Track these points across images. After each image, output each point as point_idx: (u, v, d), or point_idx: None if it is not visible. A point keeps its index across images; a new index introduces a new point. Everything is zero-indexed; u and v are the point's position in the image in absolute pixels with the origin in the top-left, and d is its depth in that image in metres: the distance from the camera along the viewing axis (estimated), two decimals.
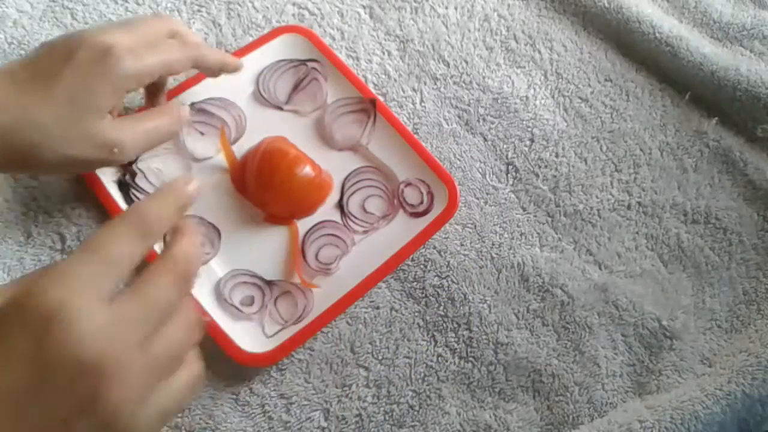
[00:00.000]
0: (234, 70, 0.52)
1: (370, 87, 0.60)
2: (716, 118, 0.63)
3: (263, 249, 0.53)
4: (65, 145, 0.42)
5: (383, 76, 0.61)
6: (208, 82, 0.55)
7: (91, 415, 0.29)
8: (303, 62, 0.58)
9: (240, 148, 0.56)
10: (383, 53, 0.62)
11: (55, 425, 0.29)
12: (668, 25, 0.64)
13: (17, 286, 0.31)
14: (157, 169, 0.53)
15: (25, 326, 0.29)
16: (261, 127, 0.56)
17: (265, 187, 0.53)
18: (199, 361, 0.36)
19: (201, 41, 0.52)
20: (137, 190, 0.51)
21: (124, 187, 0.51)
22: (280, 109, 0.58)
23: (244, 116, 0.56)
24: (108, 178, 0.52)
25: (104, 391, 0.29)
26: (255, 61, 0.58)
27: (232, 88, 0.57)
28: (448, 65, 0.63)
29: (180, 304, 0.34)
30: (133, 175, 0.52)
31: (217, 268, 0.52)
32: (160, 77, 0.46)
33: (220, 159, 0.55)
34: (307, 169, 0.53)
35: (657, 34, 0.63)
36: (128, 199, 0.51)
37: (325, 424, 0.49)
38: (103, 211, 0.51)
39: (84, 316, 0.29)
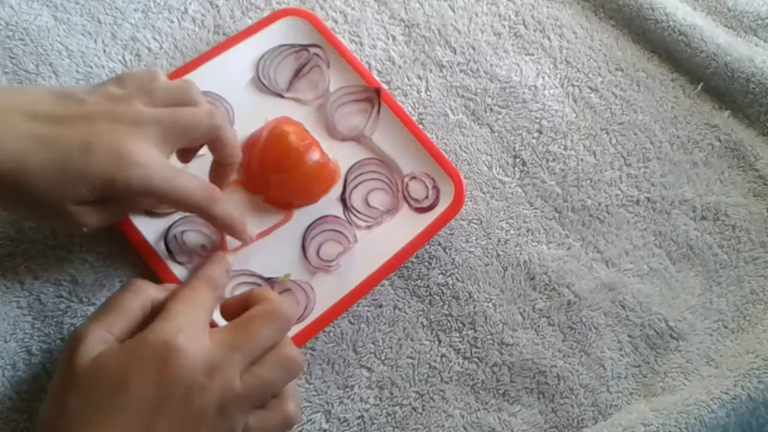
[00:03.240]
0: (240, 241, 0.49)
1: (374, 74, 0.58)
2: (729, 111, 0.61)
3: (262, 246, 0.51)
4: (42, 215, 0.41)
5: (387, 63, 0.59)
6: (201, 71, 0.53)
7: (203, 422, 0.36)
8: (305, 47, 0.56)
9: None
10: (388, 38, 0.60)
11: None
12: (682, 13, 0.62)
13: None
14: None
15: (146, 363, 0.36)
16: (261, 115, 0.54)
17: (270, 171, 0.51)
18: (292, 400, 0.41)
19: (231, 157, 0.46)
20: None
21: None
22: (281, 96, 0.56)
23: (232, 110, 0.54)
24: None
25: (209, 403, 0.36)
26: (255, 46, 0.55)
27: (231, 74, 0.55)
28: (454, 52, 0.60)
29: (278, 343, 0.40)
30: None
31: None
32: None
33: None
34: (317, 157, 0.52)
35: (671, 23, 0.61)
36: None
37: (326, 426, 0.48)
38: None
39: (191, 345, 0.36)
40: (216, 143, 0.44)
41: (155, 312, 0.40)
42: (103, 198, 0.40)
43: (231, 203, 0.45)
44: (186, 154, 0.47)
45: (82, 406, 0.35)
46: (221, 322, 0.43)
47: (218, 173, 0.47)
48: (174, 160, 0.46)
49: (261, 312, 0.40)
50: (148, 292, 0.41)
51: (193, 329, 0.38)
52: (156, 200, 0.45)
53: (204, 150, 0.52)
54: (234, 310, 0.42)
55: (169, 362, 0.35)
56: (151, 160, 0.39)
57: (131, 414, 0.35)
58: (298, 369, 0.40)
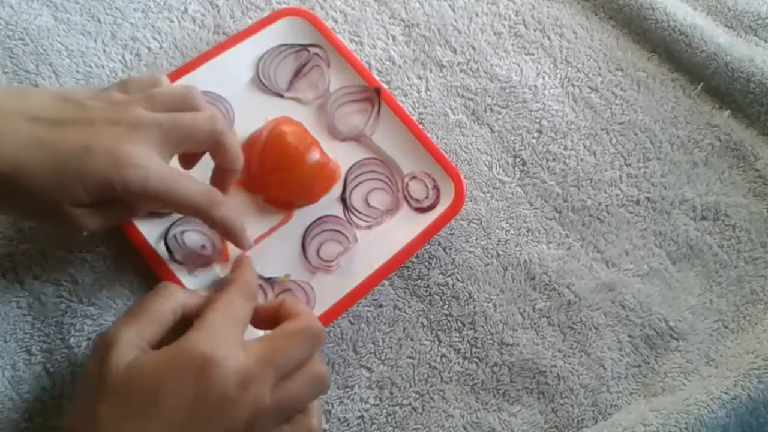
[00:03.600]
0: (239, 247, 0.48)
1: (374, 74, 0.58)
2: (729, 111, 0.61)
3: (262, 246, 0.51)
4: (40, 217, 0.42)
5: (387, 63, 0.59)
6: (201, 71, 0.53)
7: None
8: (305, 47, 0.56)
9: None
10: (388, 38, 0.60)
11: None
12: (682, 12, 0.62)
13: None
14: None
15: (183, 373, 0.36)
16: (261, 115, 0.54)
17: (270, 171, 0.51)
18: (315, 416, 0.41)
19: (234, 163, 0.46)
20: None
21: None
22: (281, 96, 0.56)
23: (232, 110, 0.54)
24: None
25: (240, 415, 0.36)
26: (255, 46, 0.55)
27: (231, 74, 0.54)
28: (454, 51, 0.60)
29: (308, 360, 0.40)
30: None
31: (218, 268, 0.50)
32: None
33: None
34: (318, 156, 0.52)
35: (671, 22, 0.61)
36: None
37: (326, 426, 0.48)
38: None
39: (227, 358, 0.36)
40: (217, 149, 0.44)
41: (185, 318, 0.40)
42: (101, 201, 0.40)
43: (231, 207, 0.45)
44: (188, 160, 0.46)
45: (114, 413, 0.35)
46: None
47: (220, 179, 0.46)
48: (176, 165, 0.46)
49: (295, 329, 0.40)
50: (180, 297, 0.41)
51: (230, 342, 0.38)
52: (155, 204, 0.44)
53: None
54: (264, 319, 0.43)
55: (205, 373, 0.36)
56: (150, 162, 0.39)
57: (165, 423, 0.35)
58: (325, 387, 0.41)
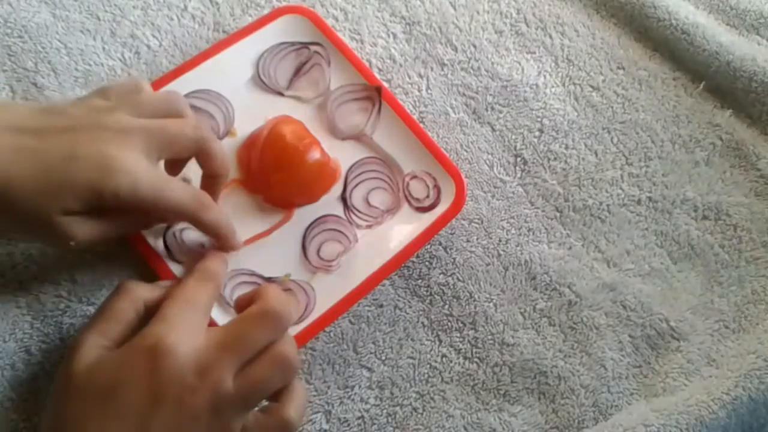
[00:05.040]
0: (228, 249, 0.47)
1: (375, 72, 0.58)
2: (730, 110, 0.61)
3: (262, 246, 0.51)
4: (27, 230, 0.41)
5: (388, 61, 0.59)
6: (201, 69, 0.53)
7: (198, 423, 0.36)
8: (305, 45, 0.56)
9: (233, 141, 0.53)
10: (388, 36, 0.60)
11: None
12: (684, 11, 0.62)
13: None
14: None
15: (138, 365, 0.36)
16: (261, 114, 0.54)
17: (270, 170, 0.51)
18: (293, 406, 0.40)
19: (220, 171, 0.45)
20: None
21: None
22: (281, 94, 0.55)
23: (232, 108, 0.54)
24: None
25: (201, 403, 0.35)
26: (255, 44, 0.55)
27: (231, 72, 0.54)
28: (455, 50, 0.60)
29: (272, 344, 0.39)
30: None
31: None
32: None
33: None
34: (318, 155, 0.51)
35: (673, 21, 0.61)
36: None
37: (326, 427, 0.48)
38: None
39: (181, 346, 0.36)
40: (203, 155, 0.44)
41: (151, 312, 0.40)
42: (91, 209, 0.39)
43: (220, 209, 0.45)
44: (173, 166, 0.46)
45: (77, 414, 0.35)
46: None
47: (208, 185, 0.46)
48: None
49: (254, 311, 0.39)
50: (140, 293, 0.41)
51: (185, 329, 0.37)
52: (145, 211, 0.43)
53: None
54: (245, 307, 0.42)
55: (159, 363, 0.35)
56: (139, 167, 0.39)
57: (124, 419, 0.35)
58: (292, 368, 0.40)
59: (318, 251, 0.51)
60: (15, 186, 0.37)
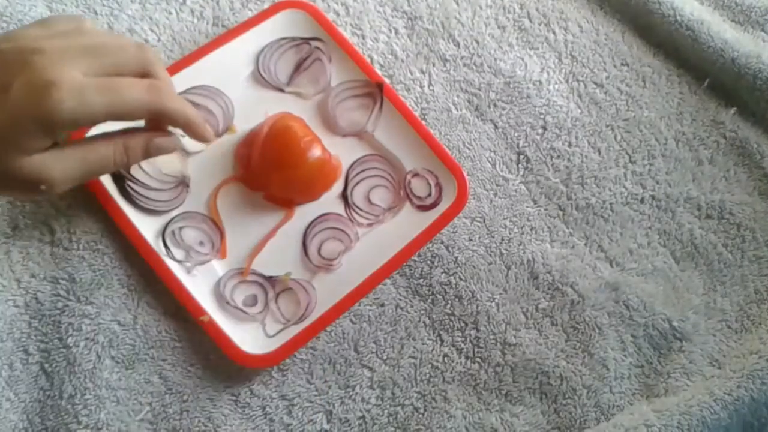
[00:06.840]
0: (202, 140, 0.44)
1: (376, 68, 0.57)
2: (735, 108, 0.60)
3: (262, 244, 0.50)
4: None
5: (390, 57, 0.58)
6: (200, 65, 0.52)
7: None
8: (306, 41, 0.55)
9: (233, 137, 0.53)
10: (390, 31, 0.59)
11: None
12: (689, 7, 0.61)
13: None
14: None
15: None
16: (261, 110, 0.53)
17: (271, 168, 0.50)
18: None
19: (170, 87, 0.42)
20: (132, 182, 0.48)
21: (119, 179, 0.48)
22: (282, 91, 0.55)
23: (232, 104, 0.53)
24: None
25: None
26: (255, 39, 0.54)
27: (230, 68, 0.54)
28: (458, 45, 0.59)
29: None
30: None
31: (217, 266, 0.49)
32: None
33: (210, 152, 0.52)
34: (319, 153, 0.51)
35: (678, 17, 0.60)
36: (123, 191, 0.48)
37: (327, 427, 0.48)
38: (94, 201, 0.48)
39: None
40: (153, 81, 0.41)
41: None
42: (52, 142, 0.37)
43: (184, 99, 0.43)
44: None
45: None
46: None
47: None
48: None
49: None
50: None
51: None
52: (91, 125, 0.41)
53: (200, 146, 0.51)
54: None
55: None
56: (78, 78, 0.37)
57: None
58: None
59: (319, 250, 0.51)
60: None
